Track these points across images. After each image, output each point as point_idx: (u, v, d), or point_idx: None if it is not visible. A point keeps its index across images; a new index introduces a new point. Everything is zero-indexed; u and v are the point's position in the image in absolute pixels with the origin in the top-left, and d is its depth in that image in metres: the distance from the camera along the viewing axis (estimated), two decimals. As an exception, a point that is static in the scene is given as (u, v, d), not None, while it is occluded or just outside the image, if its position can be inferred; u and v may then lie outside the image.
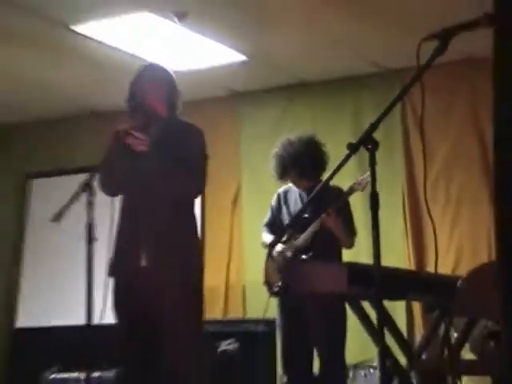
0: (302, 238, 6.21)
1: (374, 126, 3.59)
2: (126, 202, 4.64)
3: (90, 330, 4.33)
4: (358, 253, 6.33)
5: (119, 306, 4.52)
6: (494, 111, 2.79)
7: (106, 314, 4.39)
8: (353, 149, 3.60)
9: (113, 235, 4.51)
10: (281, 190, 6.54)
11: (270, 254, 6.41)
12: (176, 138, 4.67)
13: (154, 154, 4.44)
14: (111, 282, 4.53)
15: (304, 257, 6.19)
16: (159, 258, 4.45)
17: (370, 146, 3.60)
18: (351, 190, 6.06)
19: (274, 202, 6.59)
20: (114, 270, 4.55)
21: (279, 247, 6.22)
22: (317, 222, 6.16)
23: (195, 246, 4.75)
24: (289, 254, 6.25)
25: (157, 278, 4.42)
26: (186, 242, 4.61)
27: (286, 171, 6.36)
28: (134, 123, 4.52)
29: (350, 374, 6.52)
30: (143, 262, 4.45)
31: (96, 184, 4.49)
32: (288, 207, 6.49)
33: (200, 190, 4.79)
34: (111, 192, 4.63)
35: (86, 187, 4.42)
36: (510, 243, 2.77)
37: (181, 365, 4.48)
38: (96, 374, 5.01)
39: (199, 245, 4.76)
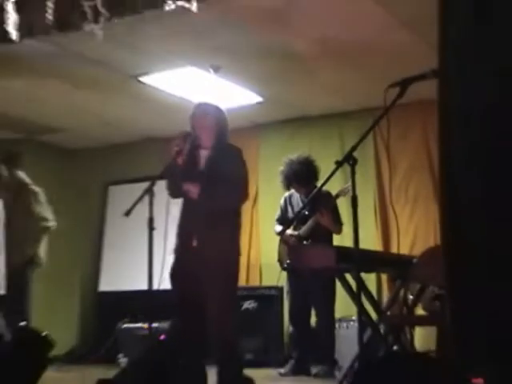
0: (303, 230, 6.27)
1: (353, 148, 3.61)
2: (185, 203, 4.63)
3: (150, 293, 4.34)
4: (342, 239, 6.32)
5: (176, 273, 4.52)
6: (438, 138, 2.79)
7: (162, 282, 4.40)
8: (339, 164, 3.62)
9: (168, 226, 4.48)
10: (287, 194, 6.59)
11: (281, 240, 6.46)
12: (220, 162, 4.57)
13: (203, 197, 4.45)
14: (168, 258, 4.51)
15: (305, 242, 6.23)
16: (206, 241, 4.44)
17: (351, 162, 3.62)
18: (337, 196, 6.21)
19: (282, 203, 6.63)
20: (176, 249, 4.56)
21: (289, 231, 6.25)
22: (313, 218, 6.22)
23: (233, 237, 4.64)
24: (294, 241, 6.28)
25: (203, 255, 4.41)
26: (226, 234, 4.54)
27: (290, 184, 6.44)
28: (182, 146, 4.51)
29: (337, 326, 6.50)
30: (194, 243, 4.46)
31: (156, 189, 4.50)
32: (292, 207, 6.53)
33: (240, 201, 4.67)
34: (172, 196, 4.62)
35: (148, 191, 4.42)
36: (450, 232, 2.76)
37: (223, 317, 4.44)
38: (155, 325, 4.99)
39: (237, 237, 4.68)
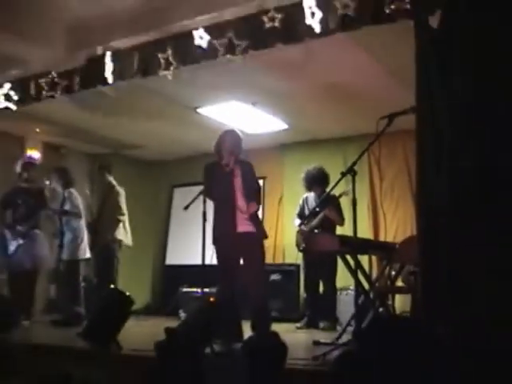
0: (315, 222, 6.27)
1: (354, 163, 3.65)
2: (219, 203, 4.58)
3: (203, 267, 4.39)
4: (344, 229, 6.31)
5: (223, 251, 4.50)
6: (416, 157, 2.82)
7: (212, 259, 4.44)
8: (343, 175, 3.65)
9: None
10: (305, 195, 6.62)
11: (298, 230, 6.48)
12: (247, 174, 4.62)
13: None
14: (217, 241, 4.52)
15: (316, 231, 6.24)
16: (246, 227, 4.46)
17: (352, 174, 3.64)
18: (340, 196, 6.15)
19: (301, 201, 6.65)
20: (221, 236, 4.50)
21: (303, 227, 6.27)
22: (323, 213, 6.22)
23: (261, 225, 4.70)
24: (307, 230, 6.30)
25: (247, 236, 4.44)
26: (259, 223, 4.60)
27: (310, 187, 6.44)
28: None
29: (338, 293, 6.50)
30: (239, 229, 4.44)
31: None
32: (308, 205, 6.54)
33: (259, 203, 4.68)
34: (207, 197, 4.59)
35: (201, 193, 4.48)
36: (423, 227, 2.77)
37: (259, 286, 4.46)
38: (206, 290, 5.03)
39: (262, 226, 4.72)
